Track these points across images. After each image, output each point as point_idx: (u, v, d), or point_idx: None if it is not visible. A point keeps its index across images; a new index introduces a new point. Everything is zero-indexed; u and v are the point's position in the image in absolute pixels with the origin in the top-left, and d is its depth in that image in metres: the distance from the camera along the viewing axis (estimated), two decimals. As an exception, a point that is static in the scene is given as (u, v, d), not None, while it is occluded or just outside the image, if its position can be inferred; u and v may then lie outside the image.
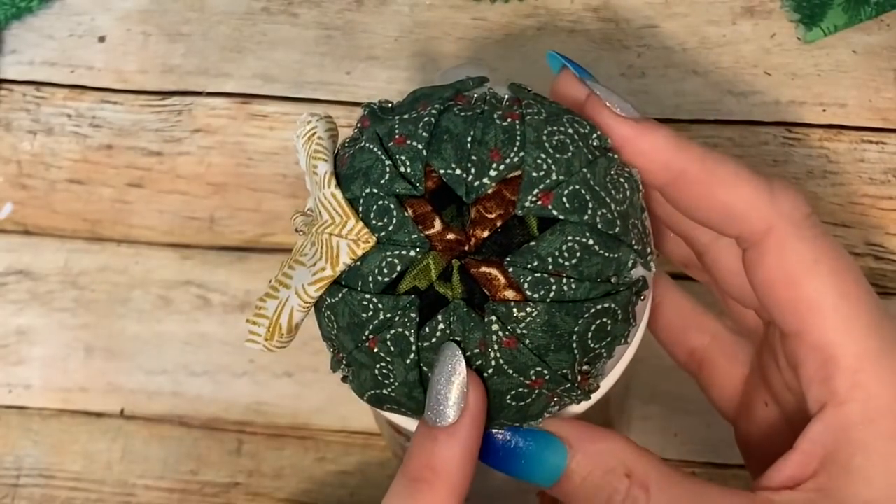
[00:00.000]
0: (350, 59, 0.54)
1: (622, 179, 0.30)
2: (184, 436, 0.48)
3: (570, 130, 0.30)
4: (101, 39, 0.55)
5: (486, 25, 0.54)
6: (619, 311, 0.29)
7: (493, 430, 0.31)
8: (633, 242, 0.30)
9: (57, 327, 0.50)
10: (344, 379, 0.31)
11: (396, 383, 0.29)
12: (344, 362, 0.31)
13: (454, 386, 0.29)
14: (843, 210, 0.49)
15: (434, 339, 0.29)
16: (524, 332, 0.28)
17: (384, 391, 0.30)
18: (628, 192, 0.30)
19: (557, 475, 0.30)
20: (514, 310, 0.28)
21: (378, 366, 0.29)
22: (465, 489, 0.30)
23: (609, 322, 0.29)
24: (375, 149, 0.30)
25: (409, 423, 0.32)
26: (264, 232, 0.51)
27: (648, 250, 0.31)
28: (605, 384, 0.32)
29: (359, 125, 0.32)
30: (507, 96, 0.31)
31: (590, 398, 0.31)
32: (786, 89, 0.52)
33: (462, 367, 0.29)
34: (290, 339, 0.31)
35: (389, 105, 0.32)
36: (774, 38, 0.53)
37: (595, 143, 0.30)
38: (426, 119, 0.30)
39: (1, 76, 0.55)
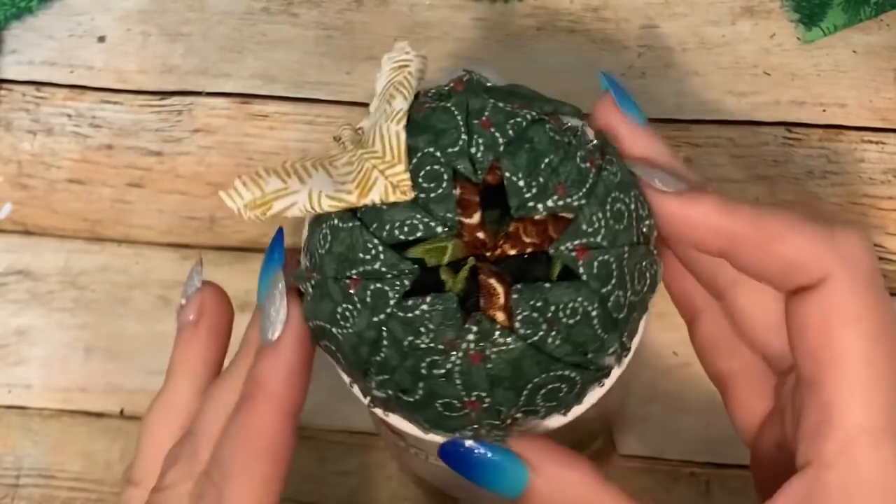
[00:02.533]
0: (350, 59, 0.54)
1: (647, 274, 0.30)
2: (184, 436, 0.48)
3: (632, 206, 0.30)
4: (101, 39, 0.55)
5: (486, 25, 0.54)
6: (578, 386, 0.30)
7: (463, 440, 0.30)
8: (625, 335, 0.30)
9: (57, 327, 0.50)
10: (300, 294, 0.31)
11: (351, 330, 0.29)
12: (312, 282, 0.30)
13: (280, 310, 0.31)
14: (843, 210, 0.49)
15: (410, 315, 0.28)
16: (491, 356, 0.28)
17: (334, 329, 0.30)
18: (646, 289, 0.30)
19: (520, 491, 0.30)
20: (497, 332, 0.28)
21: (345, 305, 0.29)
22: (293, 404, 0.31)
23: (564, 389, 0.29)
24: (459, 118, 0.30)
25: (405, 426, 0.32)
26: (264, 232, 0.51)
27: (628, 347, 0.31)
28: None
29: (451, 85, 0.31)
30: (594, 141, 0.31)
31: (504, 443, 0.31)
32: (786, 89, 0.52)
33: (284, 293, 0.31)
34: (267, 220, 0.30)
35: (487, 83, 0.31)
36: (774, 38, 0.53)
37: (644, 230, 0.30)
38: (519, 119, 0.30)
39: (1, 76, 0.55)
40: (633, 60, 0.53)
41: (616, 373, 0.31)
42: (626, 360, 0.31)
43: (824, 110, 0.51)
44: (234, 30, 0.55)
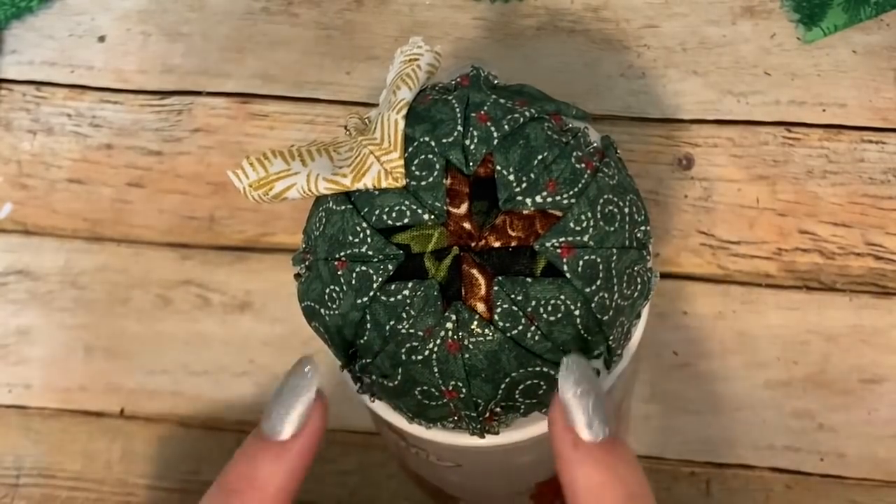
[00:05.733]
0: (350, 59, 0.54)
1: (639, 279, 0.30)
2: (184, 436, 0.48)
3: (626, 210, 0.30)
4: (101, 39, 0.55)
5: (486, 25, 0.54)
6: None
7: None
8: (611, 338, 0.30)
9: (57, 327, 0.50)
10: (296, 276, 0.32)
11: (337, 312, 0.30)
12: (306, 263, 0.31)
13: (299, 404, 0.28)
14: (843, 210, 0.49)
15: (392, 299, 0.29)
16: (469, 346, 0.28)
17: (322, 310, 0.30)
18: (636, 294, 0.30)
19: None
20: (475, 323, 0.28)
21: (332, 287, 0.30)
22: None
23: (544, 387, 0.29)
24: (458, 110, 0.30)
25: (391, 415, 0.32)
26: (264, 232, 0.51)
27: (619, 353, 0.31)
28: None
29: (457, 80, 0.32)
30: (595, 144, 0.31)
31: (483, 437, 0.31)
32: (786, 89, 0.52)
33: (313, 388, 0.28)
34: (269, 202, 0.31)
35: (494, 81, 0.32)
36: (774, 38, 0.53)
37: (638, 236, 0.30)
38: (517, 116, 0.30)
39: (1, 76, 0.55)
40: (633, 60, 0.53)
41: (606, 378, 0.31)
42: (615, 367, 0.31)
43: (824, 110, 0.51)
44: (234, 30, 0.55)
